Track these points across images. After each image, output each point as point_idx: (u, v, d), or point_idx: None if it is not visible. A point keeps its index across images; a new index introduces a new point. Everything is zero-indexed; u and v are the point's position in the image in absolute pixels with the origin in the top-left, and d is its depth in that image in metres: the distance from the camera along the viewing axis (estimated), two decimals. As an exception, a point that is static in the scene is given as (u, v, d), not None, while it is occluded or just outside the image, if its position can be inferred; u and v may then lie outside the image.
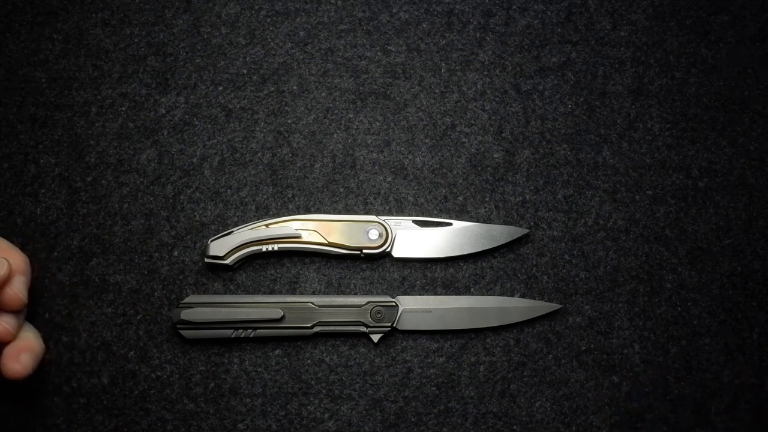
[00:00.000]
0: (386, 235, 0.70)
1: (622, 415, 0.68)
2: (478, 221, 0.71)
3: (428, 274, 0.71)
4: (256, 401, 0.68)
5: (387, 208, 0.72)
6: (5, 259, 0.61)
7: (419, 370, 0.69)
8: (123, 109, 0.73)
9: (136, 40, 0.75)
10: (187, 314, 0.67)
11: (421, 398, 0.68)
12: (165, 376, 0.68)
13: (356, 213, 0.71)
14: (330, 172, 0.72)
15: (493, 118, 0.74)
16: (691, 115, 0.75)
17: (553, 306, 0.69)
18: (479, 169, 0.73)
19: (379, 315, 0.68)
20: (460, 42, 0.76)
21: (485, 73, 0.75)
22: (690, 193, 0.73)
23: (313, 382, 0.68)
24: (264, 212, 0.71)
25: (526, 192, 0.72)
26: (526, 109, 0.74)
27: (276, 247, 0.69)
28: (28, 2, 0.75)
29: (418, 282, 0.70)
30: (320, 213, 0.71)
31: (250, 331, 0.67)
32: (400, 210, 0.72)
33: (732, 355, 0.69)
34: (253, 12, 0.76)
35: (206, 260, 0.68)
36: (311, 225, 0.69)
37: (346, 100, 0.74)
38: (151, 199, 0.71)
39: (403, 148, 0.73)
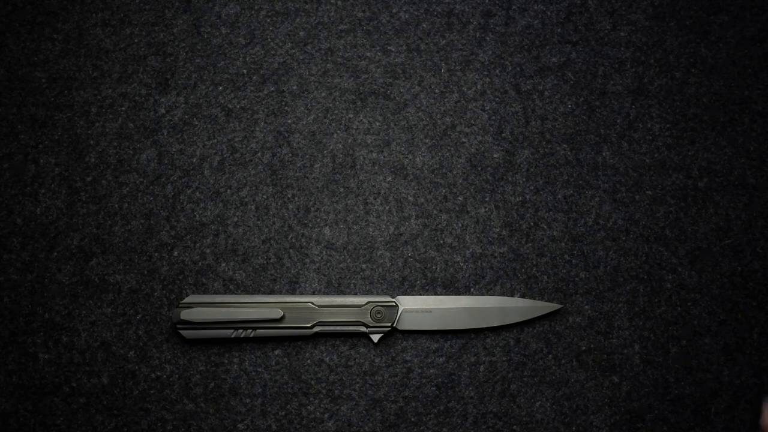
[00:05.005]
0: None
1: (622, 415, 0.68)
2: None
3: (428, 274, 0.71)
4: (256, 401, 0.68)
5: (387, 208, 0.72)
6: None
7: (419, 370, 0.69)
8: (123, 109, 0.73)
9: (136, 40, 0.75)
10: (187, 314, 0.67)
11: (421, 398, 0.68)
12: (165, 376, 0.68)
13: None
14: (330, 172, 0.72)
15: (493, 118, 0.74)
16: (691, 115, 0.75)
17: (553, 306, 0.69)
18: (479, 169, 0.73)
19: (379, 315, 0.68)
20: (460, 42, 0.76)
21: (485, 73, 0.75)
22: (690, 193, 0.73)
23: (313, 382, 0.68)
24: (264, 212, 0.71)
25: (526, 192, 0.72)
26: (526, 109, 0.74)
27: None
28: (28, 2, 0.75)
29: (418, 282, 0.70)
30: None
31: (250, 331, 0.67)
32: (400, 210, 0.72)
33: (732, 355, 0.69)
34: (253, 12, 0.76)
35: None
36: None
37: (346, 100, 0.74)
38: (151, 199, 0.71)
39: (403, 148, 0.73)
